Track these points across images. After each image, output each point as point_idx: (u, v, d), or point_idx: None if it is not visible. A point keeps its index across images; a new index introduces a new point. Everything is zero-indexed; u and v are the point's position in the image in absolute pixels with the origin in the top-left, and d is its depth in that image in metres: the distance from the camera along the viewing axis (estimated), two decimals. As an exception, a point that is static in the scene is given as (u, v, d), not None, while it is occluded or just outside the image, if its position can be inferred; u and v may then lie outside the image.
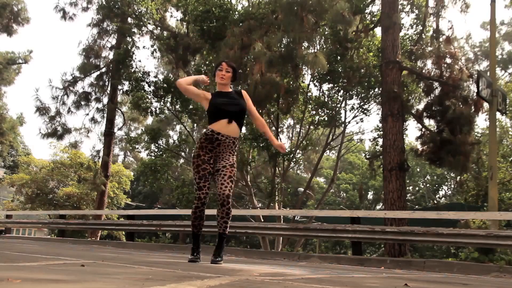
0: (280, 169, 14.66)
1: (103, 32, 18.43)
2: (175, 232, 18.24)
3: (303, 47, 11.97)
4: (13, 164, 35.61)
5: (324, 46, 13.91)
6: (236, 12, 13.33)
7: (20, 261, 3.02)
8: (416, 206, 27.37)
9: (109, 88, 18.53)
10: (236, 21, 12.64)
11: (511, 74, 26.95)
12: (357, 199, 30.26)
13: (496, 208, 8.10)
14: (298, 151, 15.50)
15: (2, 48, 45.92)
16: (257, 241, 14.74)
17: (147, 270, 2.72)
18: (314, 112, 14.83)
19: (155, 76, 20.89)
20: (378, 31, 13.39)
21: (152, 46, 16.87)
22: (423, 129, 11.16)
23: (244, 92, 4.25)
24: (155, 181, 15.06)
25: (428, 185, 32.34)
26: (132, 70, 16.36)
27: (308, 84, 14.64)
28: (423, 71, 11.36)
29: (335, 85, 14.36)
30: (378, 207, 31.03)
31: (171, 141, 16.64)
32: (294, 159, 15.67)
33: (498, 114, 9.84)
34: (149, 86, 15.53)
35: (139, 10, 16.28)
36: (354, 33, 12.52)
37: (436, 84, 10.96)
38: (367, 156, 17.35)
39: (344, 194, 33.85)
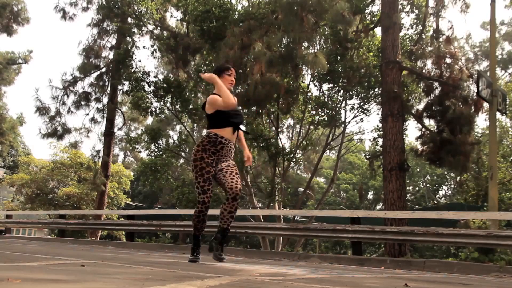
0: (280, 169, 14.66)
1: (103, 32, 18.43)
2: (175, 232, 18.23)
3: (303, 47, 11.97)
4: (13, 164, 35.61)
5: (324, 46, 13.91)
6: (236, 12, 13.33)
7: (20, 261, 3.02)
8: (416, 206, 27.37)
9: (109, 88, 18.53)
10: (236, 21, 12.64)
11: (511, 74, 26.95)
12: (357, 199, 30.26)
13: (496, 208, 8.10)
14: (298, 151, 15.50)
15: (2, 48, 45.97)
16: (257, 241, 14.75)
17: (147, 270, 2.72)
18: (314, 112, 14.83)
19: (155, 76, 20.93)
20: (378, 31, 13.41)
21: (152, 46, 16.88)
22: (423, 129, 11.16)
23: None
24: (155, 181, 15.06)
25: (428, 185, 32.35)
26: (132, 70, 16.37)
27: (308, 84, 14.65)
28: (423, 71, 11.36)
29: (335, 85, 14.36)
30: (378, 207, 31.04)
31: (171, 141, 16.65)
32: (294, 159, 15.67)
33: (498, 114, 9.83)
34: (149, 86, 15.54)
35: (139, 10, 16.27)
36: (354, 33, 12.52)
37: (436, 84, 10.96)
38: (367, 156, 17.36)
39: (344, 194, 33.85)
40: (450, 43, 11.10)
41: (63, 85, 17.93)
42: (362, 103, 14.86)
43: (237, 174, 4.03)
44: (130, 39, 17.47)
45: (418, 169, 30.34)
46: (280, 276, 2.98)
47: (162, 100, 15.54)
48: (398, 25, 11.11)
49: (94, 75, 18.33)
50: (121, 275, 2.35)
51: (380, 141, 12.30)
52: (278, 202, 14.14)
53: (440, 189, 33.01)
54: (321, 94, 14.76)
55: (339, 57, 13.30)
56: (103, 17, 17.96)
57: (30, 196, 22.73)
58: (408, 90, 12.54)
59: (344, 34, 12.57)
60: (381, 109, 11.55)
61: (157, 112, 15.90)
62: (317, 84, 14.74)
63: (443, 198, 31.77)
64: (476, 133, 14.17)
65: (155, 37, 16.79)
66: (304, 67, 13.36)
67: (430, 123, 11.35)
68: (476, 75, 9.38)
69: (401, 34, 12.69)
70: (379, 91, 13.06)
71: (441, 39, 11.70)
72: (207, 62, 14.89)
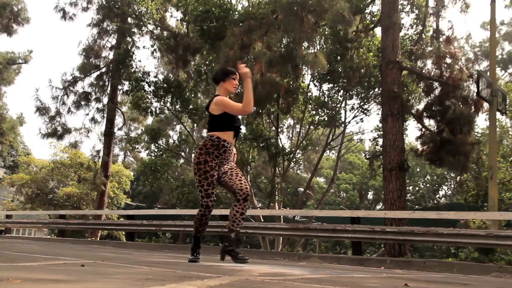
0: (280, 169, 14.65)
1: (103, 32, 18.42)
2: (175, 232, 18.24)
3: (303, 47, 11.96)
4: (13, 164, 35.60)
5: (324, 46, 13.91)
6: (236, 12, 13.33)
7: (20, 261, 3.02)
8: (416, 206, 27.36)
9: (109, 88, 18.52)
10: (236, 21, 12.64)
11: (511, 74, 26.95)
12: (357, 199, 30.26)
13: (496, 208, 8.10)
14: (298, 151, 15.50)
15: (2, 48, 45.96)
16: (257, 241, 14.75)
17: (147, 270, 2.72)
18: (314, 112, 14.83)
19: (155, 76, 20.90)
20: (378, 31, 13.40)
21: (152, 46, 16.89)
22: (423, 129, 11.16)
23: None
24: (155, 181, 15.06)
25: (428, 185, 32.34)
26: (132, 70, 16.36)
27: (308, 84, 14.64)
28: (423, 71, 11.36)
29: (335, 85, 14.36)
30: (378, 207, 31.03)
31: (171, 141, 16.63)
32: (294, 159, 15.66)
33: (498, 114, 9.83)
34: (149, 86, 15.54)
35: (139, 10, 16.27)
36: (354, 33, 12.52)
37: (436, 84, 10.95)
38: (367, 156, 17.35)
39: (344, 194, 33.85)
40: (450, 43, 11.10)
41: (63, 85, 17.94)
42: (362, 103, 14.86)
43: (243, 176, 4.05)
44: (130, 39, 17.47)
45: (418, 169, 30.34)
46: (280, 276, 2.98)
47: (162, 100, 15.53)
48: (398, 25, 11.11)
49: (94, 75, 18.34)
50: (121, 275, 2.35)
51: (380, 141, 12.29)
52: (278, 202, 14.14)
53: (440, 189, 33.01)
54: (321, 94, 14.76)
55: (339, 57, 13.29)
56: (103, 17, 17.95)
57: (30, 196, 22.72)
58: (408, 90, 12.53)
59: (344, 34, 12.57)
60: (381, 109, 11.55)
61: (157, 112, 15.90)
62: (317, 84, 14.74)
63: (443, 198, 31.77)
64: (476, 133, 14.17)
65: (155, 37, 16.79)
66: (304, 67, 13.36)
67: (430, 123, 11.36)
68: (476, 75, 9.37)
69: (401, 34, 12.68)
70: (379, 91, 13.06)
71: (441, 39, 11.69)
72: (207, 62, 14.89)
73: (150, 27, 16.89)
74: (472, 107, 10.31)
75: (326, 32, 13.38)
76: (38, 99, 17.59)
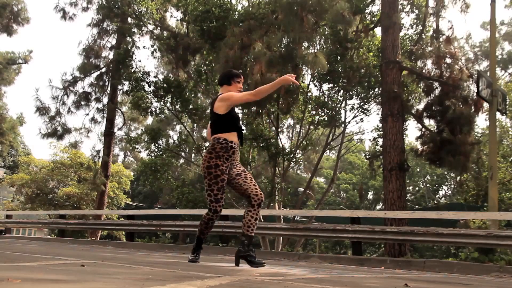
0: (280, 169, 14.65)
1: (103, 32, 18.43)
2: (175, 232, 18.23)
3: (303, 47, 11.96)
4: (13, 164, 35.60)
5: (324, 46, 13.91)
6: (236, 12, 13.33)
7: (20, 261, 3.02)
8: (416, 206, 27.36)
9: (109, 88, 18.52)
10: (236, 21, 12.63)
11: (511, 74, 26.95)
12: (357, 199, 30.26)
13: (496, 208, 8.10)
14: (298, 151, 15.50)
15: (2, 48, 45.96)
16: (257, 241, 14.74)
17: (147, 270, 2.72)
18: (314, 112, 14.83)
19: (155, 76, 20.89)
20: (378, 31, 13.40)
21: (152, 46, 16.88)
22: (423, 129, 11.16)
23: None
24: (155, 181, 15.05)
25: (428, 185, 32.35)
26: (132, 70, 16.36)
27: (308, 84, 14.64)
28: (423, 71, 11.36)
29: (335, 85, 14.36)
30: (378, 207, 31.03)
31: (171, 141, 16.62)
32: (294, 159, 15.66)
33: (498, 114, 9.83)
34: (149, 86, 15.53)
35: (139, 10, 16.28)
36: (354, 33, 12.52)
37: (436, 84, 10.95)
38: (367, 156, 17.34)
39: (344, 194, 33.85)
40: (450, 43, 11.10)
41: (63, 85, 17.94)
42: (362, 103, 14.86)
43: (254, 180, 4.03)
44: (130, 39, 17.47)
45: (418, 169, 30.34)
46: (280, 276, 2.98)
47: (162, 100, 15.53)
48: (398, 25, 11.11)
49: (94, 75, 18.34)
50: (121, 275, 2.35)
51: (380, 141, 12.29)
52: (278, 202, 14.14)
53: (440, 189, 33.01)
54: (321, 94, 14.76)
55: (339, 57, 13.29)
56: (103, 17, 17.96)
57: (30, 196, 22.72)
58: (408, 90, 12.53)
59: (344, 34, 12.57)
60: (381, 109, 11.55)
61: (157, 112, 15.89)
62: (317, 84, 14.73)
63: (443, 198, 31.77)
64: (476, 133, 14.17)
65: (155, 37, 16.79)
66: (304, 67, 13.35)
67: (430, 123, 11.36)
68: (476, 75, 9.38)
69: (401, 34, 12.68)
70: (379, 91, 13.06)
71: (441, 39, 11.69)
72: (207, 62, 14.89)
73: (150, 27, 16.90)
74: (472, 107, 10.31)
75: (326, 32, 13.38)
76: (38, 99, 17.62)
